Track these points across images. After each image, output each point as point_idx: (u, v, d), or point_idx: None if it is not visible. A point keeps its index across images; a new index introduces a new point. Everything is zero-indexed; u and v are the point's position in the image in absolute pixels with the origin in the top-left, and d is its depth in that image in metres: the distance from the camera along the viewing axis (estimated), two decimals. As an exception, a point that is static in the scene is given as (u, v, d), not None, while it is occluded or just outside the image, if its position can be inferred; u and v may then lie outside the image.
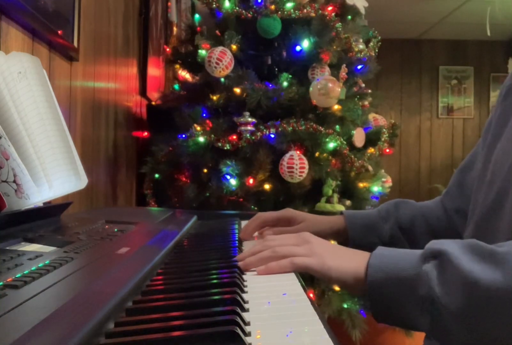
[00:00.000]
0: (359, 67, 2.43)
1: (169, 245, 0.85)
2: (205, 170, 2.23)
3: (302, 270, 0.75)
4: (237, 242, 0.94)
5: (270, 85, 2.22)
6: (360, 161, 2.25)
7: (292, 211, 1.14)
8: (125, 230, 0.92)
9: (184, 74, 2.58)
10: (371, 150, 2.39)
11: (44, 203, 0.94)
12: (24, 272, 0.57)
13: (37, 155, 0.87)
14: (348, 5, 2.39)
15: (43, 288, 0.52)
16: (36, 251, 0.70)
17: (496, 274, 0.62)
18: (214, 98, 2.26)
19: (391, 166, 5.79)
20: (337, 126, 2.26)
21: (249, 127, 2.15)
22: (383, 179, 2.46)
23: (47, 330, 0.42)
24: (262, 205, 2.16)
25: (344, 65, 2.20)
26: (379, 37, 2.57)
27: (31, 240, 0.76)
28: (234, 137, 2.16)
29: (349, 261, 0.74)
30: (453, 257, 0.65)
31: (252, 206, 2.17)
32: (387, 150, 2.46)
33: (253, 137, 2.14)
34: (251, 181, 2.14)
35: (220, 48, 2.15)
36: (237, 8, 2.23)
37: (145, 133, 2.56)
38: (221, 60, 2.11)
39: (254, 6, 2.21)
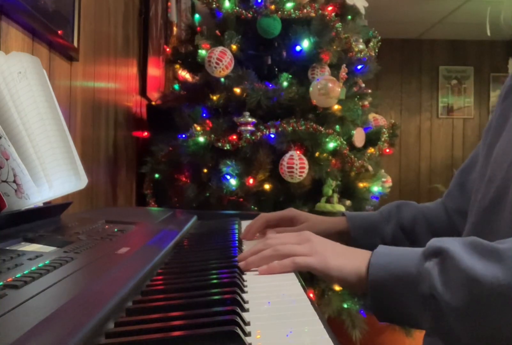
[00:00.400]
0: (359, 67, 2.43)
1: (169, 245, 0.85)
2: (205, 170, 2.23)
3: (304, 269, 0.75)
4: (237, 242, 0.94)
5: (270, 85, 2.22)
6: (360, 161, 2.25)
7: (295, 211, 1.15)
8: (125, 230, 0.92)
9: (184, 74, 2.58)
10: (371, 150, 2.39)
11: (44, 203, 0.94)
12: (24, 272, 0.57)
13: (37, 155, 0.87)
14: (348, 5, 2.39)
15: (43, 288, 0.52)
16: (36, 251, 0.70)
17: (498, 271, 0.62)
18: (214, 98, 2.26)
19: (391, 166, 5.80)
20: (337, 126, 2.26)
21: (249, 127, 2.15)
22: (383, 179, 2.46)
23: (47, 330, 0.42)
24: (262, 205, 2.16)
25: (344, 65, 2.20)
26: (379, 37, 2.57)
27: (31, 240, 0.76)
28: (234, 137, 2.16)
29: (351, 260, 0.74)
30: (455, 255, 0.65)
31: (252, 206, 2.17)
32: (387, 150, 2.46)
33: (253, 137, 2.14)
34: (251, 181, 2.14)
35: (220, 48, 2.15)
36: (237, 8, 2.23)
37: (145, 133, 2.56)
38: (221, 60, 2.11)
39: (254, 6, 2.21)
